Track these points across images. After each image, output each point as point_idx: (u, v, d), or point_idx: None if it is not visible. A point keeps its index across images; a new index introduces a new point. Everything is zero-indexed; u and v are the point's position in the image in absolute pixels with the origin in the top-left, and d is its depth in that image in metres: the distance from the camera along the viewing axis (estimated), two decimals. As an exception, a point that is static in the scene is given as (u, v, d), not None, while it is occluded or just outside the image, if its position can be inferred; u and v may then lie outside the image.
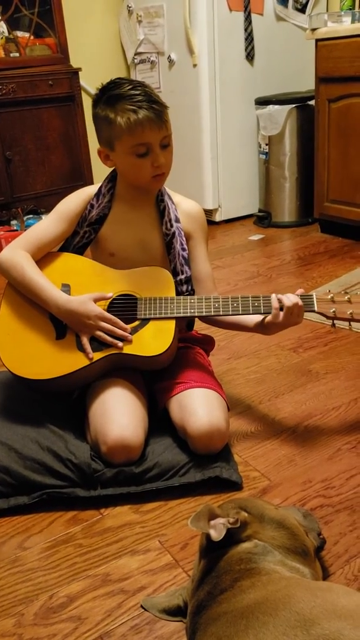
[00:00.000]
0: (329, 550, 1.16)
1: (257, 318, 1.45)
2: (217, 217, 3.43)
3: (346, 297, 1.40)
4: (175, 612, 1.03)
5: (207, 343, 1.67)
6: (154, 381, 1.52)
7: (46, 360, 1.40)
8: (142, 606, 1.07)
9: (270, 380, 1.79)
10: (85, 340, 1.40)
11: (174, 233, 1.48)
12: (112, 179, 1.49)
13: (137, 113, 1.32)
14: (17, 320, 1.45)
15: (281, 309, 1.37)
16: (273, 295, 1.38)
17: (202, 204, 3.21)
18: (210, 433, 1.34)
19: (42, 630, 1.04)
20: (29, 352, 1.42)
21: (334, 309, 1.39)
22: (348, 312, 1.38)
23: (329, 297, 1.40)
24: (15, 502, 1.32)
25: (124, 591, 1.11)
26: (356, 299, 1.39)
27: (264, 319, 1.43)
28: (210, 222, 3.34)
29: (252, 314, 1.41)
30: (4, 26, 3.16)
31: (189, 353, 1.57)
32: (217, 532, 0.90)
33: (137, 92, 1.34)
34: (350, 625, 0.71)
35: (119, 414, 1.35)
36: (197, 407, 1.37)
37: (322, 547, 1.09)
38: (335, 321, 1.41)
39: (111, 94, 1.35)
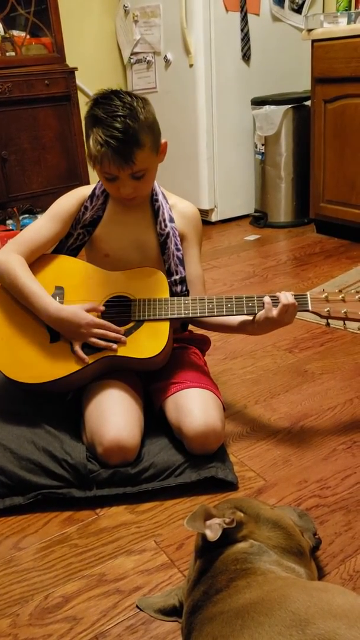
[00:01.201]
0: (324, 550, 1.16)
1: (245, 318, 1.45)
2: (213, 217, 3.43)
3: (340, 296, 1.40)
4: (171, 612, 1.03)
5: (203, 343, 1.67)
6: (150, 381, 1.52)
7: (40, 364, 1.40)
8: (137, 606, 1.07)
9: (265, 381, 1.79)
10: (77, 348, 1.39)
11: (168, 233, 1.48)
12: (107, 180, 1.49)
13: (102, 147, 1.29)
14: (10, 324, 1.44)
15: (275, 305, 1.37)
16: (266, 299, 1.38)
17: (198, 204, 3.21)
18: (206, 433, 1.34)
19: (38, 631, 1.04)
20: (23, 356, 1.41)
21: (328, 308, 1.39)
22: (342, 311, 1.38)
23: (323, 296, 1.40)
24: (11, 502, 1.32)
25: (120, 591, 1.11)
26: (350, 298, 1.40)
27: (254, 317, 1.42)
28: (206, 222, 3.35)
29: (247, 314, 1.41)
30: (0, 25, 3.15)
31: (184, 353, 1.57)
32: (213, 532, 0.90)
33: (116, 125, 1.27)
34: (346, 624, 0.72)
35: (115, 415, 1.35)
36: (193, 408, 1.37)
37: (317, 547, 1.10)
38: (329, 320, 1.41)
39: (95, 113, 1.31)
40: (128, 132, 1.28)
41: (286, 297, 1.36)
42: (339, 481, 1.35)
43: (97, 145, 1.30)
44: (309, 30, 2.75)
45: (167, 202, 1.51)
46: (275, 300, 1.38)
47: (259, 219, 3.36)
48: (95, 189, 1.50)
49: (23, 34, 3.21)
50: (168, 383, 1.46)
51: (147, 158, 1.34)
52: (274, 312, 1.36)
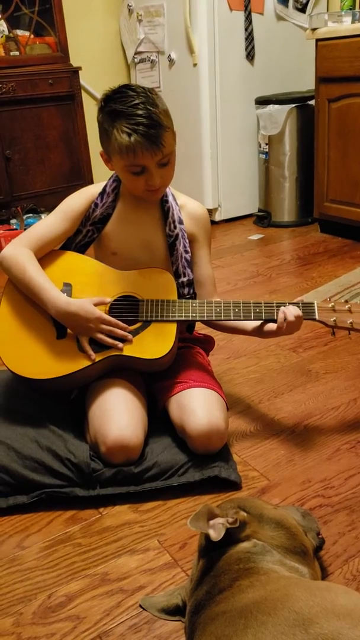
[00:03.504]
0: (327, 550, 1.16)
1: (256, 323, 1.46)
2: (217, 217, 3.43)
3: (347, 307, 1.40)
4: (174, 611, 1.03)
5: (207, 343, 1.67)
6: (153, 381, 1.52)
7: (47, 360, 1.40)
8: (140, 605, 1.07)
9: (269, 380, 1.79)
10: (85, 343, 1.39)
11: (177, 235, 1.48)
12: (117, 178, 1.49)
13: (130, 137, 1.28)
14: (17, 319, 1.44)
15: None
16: (280, 312, 1.38)
17: (202, 203, 3.19)
18: (209, 433, 1.34)
19: (41, 630, 1.04)
20: (29, 351, 1.41)
21: (334, 318, 1.39)
22: (348, 322, 1.39)
23: (330, 305, 1.41)
24: (14, 501, 1.32)
25: (123, 590, 1.11)
26: (356, 309, 1.40)
27: (262, 324, 1.44)
28: (210, 222, 3.34)
29: (254, 319, 1.42)
30: (4, 25, 3.16)
31: (188, 353, 1.57)
32: (216, 532, 0.90)
33: (139, 112, 1.28)
34: (349, 624, 0.71)
35: (118, 414, 1.35)
36: (196, 407, 1.37)
37: (320, 546, 1.10)
38: (334, 330, 1.42)
39: (113, 108, 1.31)
40: (152, 117, 1.29)
41: (291, 314, 1.37)
42: (342, 481, 1.35)
43: (124, 136, 1.29)
44: (313, 30, 2.74)
45: (176, 203, 1.50)
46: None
47: (263, 218, 3.36)
48: (105, 186, 1.49)
49: (27, 33, 3.22)
50: (171, 382, 1.46)
51: (171, 141, 1.35)
52: (283, 329, 1.38)
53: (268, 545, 0.94)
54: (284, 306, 1.39)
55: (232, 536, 0.93)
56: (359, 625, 0.71)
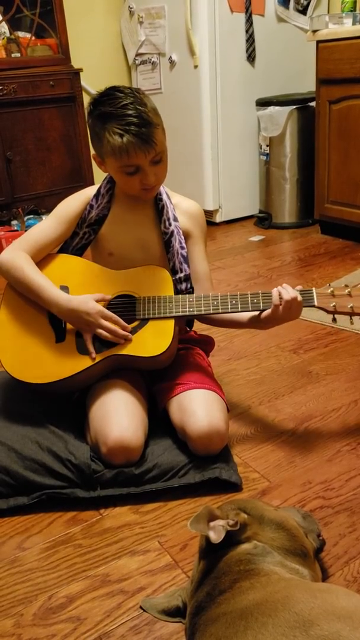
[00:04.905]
0: (328, 552, 1.16)
1: (253, 313, 1.45)
2: (218, 218, 3.43)
3: (346, 291, 1.38)
4: (175, 613, 1.03)
5: (207, 344, 1.67)
6: (153, 382, 1.52)
7: (46, 364, 1.40)
8: (141, 607, 1.07)
9: (270, 382, 1.79)
10: (88, 339, 1.40)
11: (172, 232, 1.49)
12: (111, 179, 1.50)
13: (123, 137, 1.30)
14: (16, 323, 1.45)
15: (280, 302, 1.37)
16: (274, 290, 1.37)
17: (203, 204, 3.21)
18: (210, 434, 1.34)
19: (41, 631, 1.04)
20: (29, 356, 1.42)
21: (334, 303, 1.37)
22: (348, 306, 1.37)
23: (329, 291, 1.39)
24: (15, 502, 1.32)
25: (124, 592, 1.11)
26: (356, 293, 1.38)
27: (260, 313, 1.42)
28: (211, 223, 3.34)
29: (252, 310, 1.41)
30: (6, 27, 3.16)
31: (188, 354, 1.57)
32: (216, 535, 0.90)
33: (129, 113, 1.30)
34: (349, 626, 0.71)
35: (119, 416, 1.35)
36: (197, 409, 1.37)
37: (321, 548, 1.09)
38: (335, 316, 1.40)
39: (102, 111, 1.32)
40: (142, 116, 1.30)
41: (288, 293, 1.35)
42: (343, 482, 1.34)
43: (117, 137, 1.30)
44: (314, 31, 2.75)
45: (170, 201, 1.51)
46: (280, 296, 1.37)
47: (264, 219, 3.36)
48: (100, 188, 1.50)
49: (28, 35, 3.22)
50: (172, 384, 1.46)
51: (162, 139, 1.36)
52: (280, 310, 1.36)
53: (269, 547, 0.94)
54: None
55: (233, 537, 0.93)
56: (359, 627, 0.71)
